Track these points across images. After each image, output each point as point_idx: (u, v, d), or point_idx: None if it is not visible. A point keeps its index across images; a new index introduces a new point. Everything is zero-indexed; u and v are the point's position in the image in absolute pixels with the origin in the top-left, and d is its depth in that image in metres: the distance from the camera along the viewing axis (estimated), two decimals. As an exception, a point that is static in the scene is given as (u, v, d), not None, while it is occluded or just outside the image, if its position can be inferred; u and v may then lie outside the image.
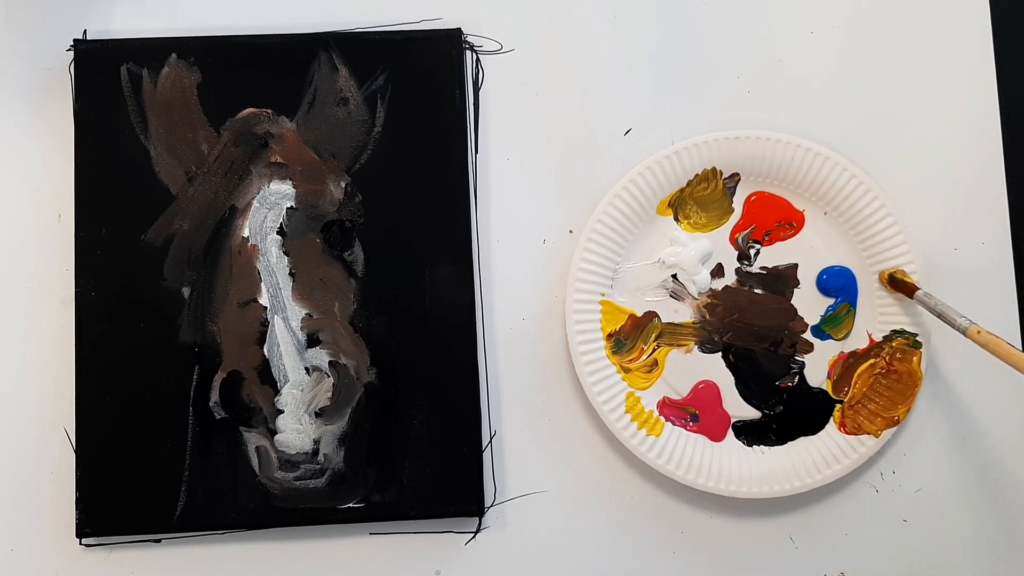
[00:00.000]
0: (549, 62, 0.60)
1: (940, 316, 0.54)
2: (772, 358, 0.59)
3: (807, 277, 0.59)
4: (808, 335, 0.59)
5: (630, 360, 0.59)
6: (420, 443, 0.57)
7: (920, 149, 0.60)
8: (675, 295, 0.59)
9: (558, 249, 0.59)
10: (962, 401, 0.59)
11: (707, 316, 0.59)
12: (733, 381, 0.59)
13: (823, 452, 0.58)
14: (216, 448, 0.56)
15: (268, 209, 0.58)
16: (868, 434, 0.58)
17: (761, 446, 0.58)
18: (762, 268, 0.59)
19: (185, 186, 0.57)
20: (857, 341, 0.59)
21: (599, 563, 0.58)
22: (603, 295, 0.58)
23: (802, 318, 0.59)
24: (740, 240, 0.59)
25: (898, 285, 0.57)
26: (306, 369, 0.57)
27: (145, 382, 0.56)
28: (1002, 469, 0.59)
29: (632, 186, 0.58)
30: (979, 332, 0.51)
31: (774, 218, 0.59)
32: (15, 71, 0.59)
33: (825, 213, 0.59)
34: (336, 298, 0.57)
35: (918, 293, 0.56)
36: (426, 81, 0.58)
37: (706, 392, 0.59)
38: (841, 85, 0.61)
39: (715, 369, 0.59)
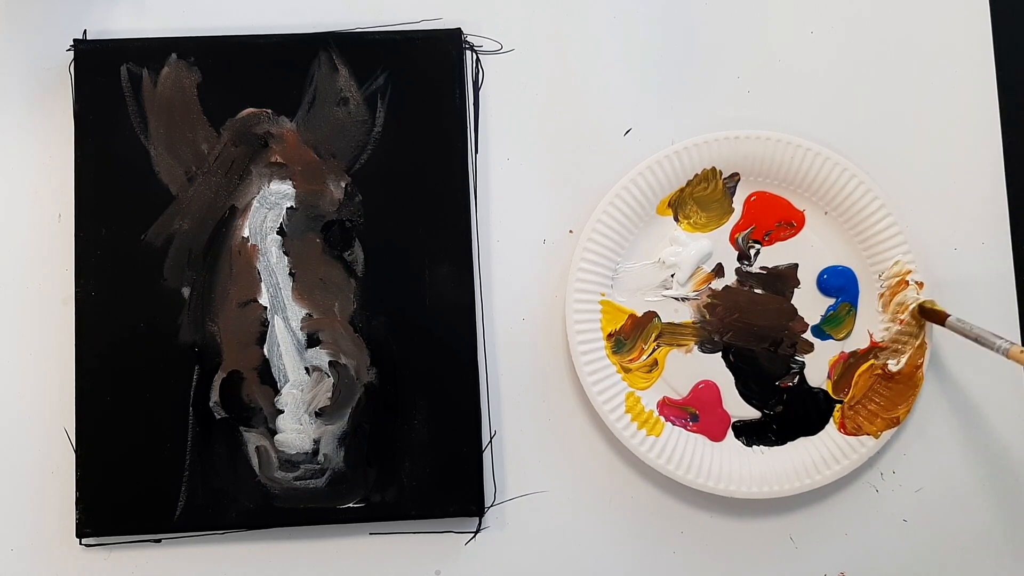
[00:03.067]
0: (549, 62, 0.60)
1: (977, 340, 0.53)
2: (772, 358, 0.59)
3: (807, 277, 0.59)
4: (808, 335, 0.59)
5: (630, 360, 0.59)
6: (420, 443, 0.57)
7: (920, 149, 0.60)
8: (675, 295, 0.59)
9: (558, 249, 0.59)
10: (962, 401, 0.59)
11: (707, 316, 0.59)
12: (733, 381, 0.59)
13: (823, 452, 0.58)
14: (216, 448, 0.56)
15: (268, 209, 0.58)
16: (868, 434, 0.58)
17: (761, 446, 0.58)
18: (762, 268, 0.59)
19: (185, 186, 0.57)
20: (857, 341, 0.59)
21: (599, 563, 0.58)
22: (603, 295, 0.58)
23: (802, 318, 0.59)
24: (740, 240, 0.59)
25: (928, 314, 0.57)
26: (306, 369, 0.57)
27: (145, 382, 0.56)
28: (1002, 469, 0.59)
29: (632, 186, 0.58)
30: (1022, 352, 0.50)
31: (774, 218, 0.59)
32: (15, 71, 0.59)
33: (825, 213, 0.59)
34: (336, 298, 0.57)
35: (950, 320, 0.55)
36: (426, 81, 0.58)
37: (706, 392, 0.59)
38: (841, 85, 0.61)
39: (715, 369, 0.59)
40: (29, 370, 0.57)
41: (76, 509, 0.56)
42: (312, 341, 0.57)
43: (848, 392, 0.58)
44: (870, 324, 0.59)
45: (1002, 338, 0.52)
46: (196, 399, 0.56)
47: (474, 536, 0.58)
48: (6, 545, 0.57)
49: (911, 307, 0.57)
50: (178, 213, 0.57)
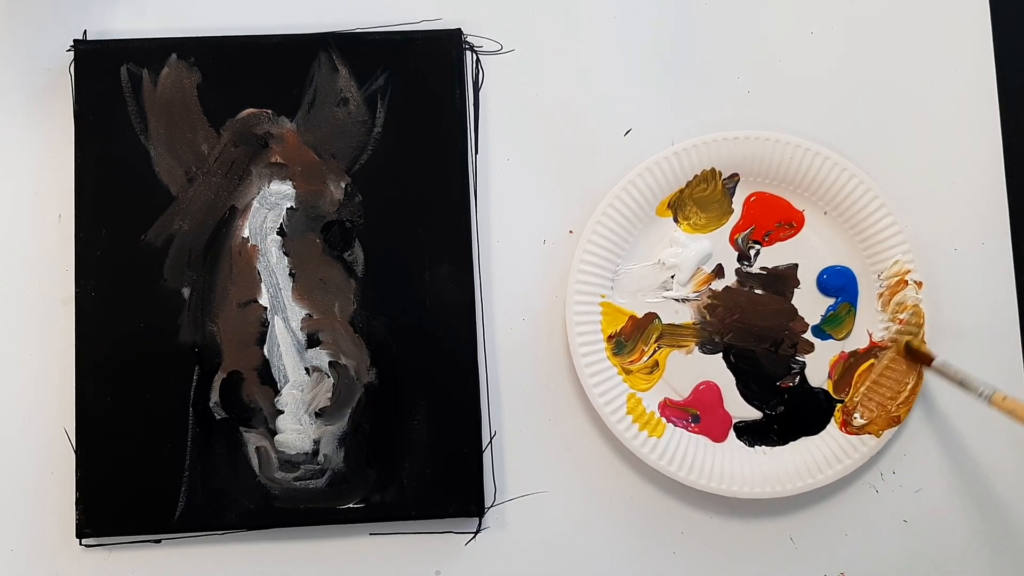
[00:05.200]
0: (549, 62, 0.60)
1: (961, 384, 0.53)
2: (773, 358, 0.59)
3: (807, 277, 0.59)
4: (809, 335, 0.59)
5: (631, 361, 0.59)
6: (420, 443, 0.57)
7: (920, 149, 0.60)
8: (675, 296, 0.59)
9: (558, 249, 0.59)
10: (962, 401, 0.59)
11: (707, 317, 0.59)
12: (734, 382, 0.59)
13: (824, 452, 0.58)
14: (216, 448, 0.56)
15: (268, 209, 0.58)
16: (869, 434, 0.58)
17: (762, 447, 0.58)
18: (762, 268, 0.59)
19: (185, 186, 0.57)
20: (857, 341, 0.59)
21: (599, 563, 0.58)
22: (603, 296, 0.58)
23: (802, 318, 0.59)
24: (740, 240, 0.59)
25: (915, 354, 0.57)
26: (306, 369, 0.57)
27: (145, 382, 0.56)
28: (1001, 469, 0.59)
29: (632, 187, 0.58)
30: (1004, 399, 0.51)
31: (774, 218, 0.59)
32: (15, 71, 0.59)
33: (825, 213, 0.59)
34: (336, 298, 0.57)
35: (936, 362, 0.55)
36: (426, 81, 0.58)
37: (707, 393, 0.59)
38: (841, 85, 0.61)
39: (716, 370, 0.59)
40: (29, 370, 0.57)
41: (76, 509, 0.56)
42: (312, 341, 0.57)
43: (849, 392, 0.58)
44: (870, 324, 0.59)
45: (985, 383, 0.52)
46: (196, 399, 0.56)
47: (474, 536, 0.58)
48: (6, 545, 0.57)
49: (900, 342, 0.57)
50: (178, 213, 0.57)
